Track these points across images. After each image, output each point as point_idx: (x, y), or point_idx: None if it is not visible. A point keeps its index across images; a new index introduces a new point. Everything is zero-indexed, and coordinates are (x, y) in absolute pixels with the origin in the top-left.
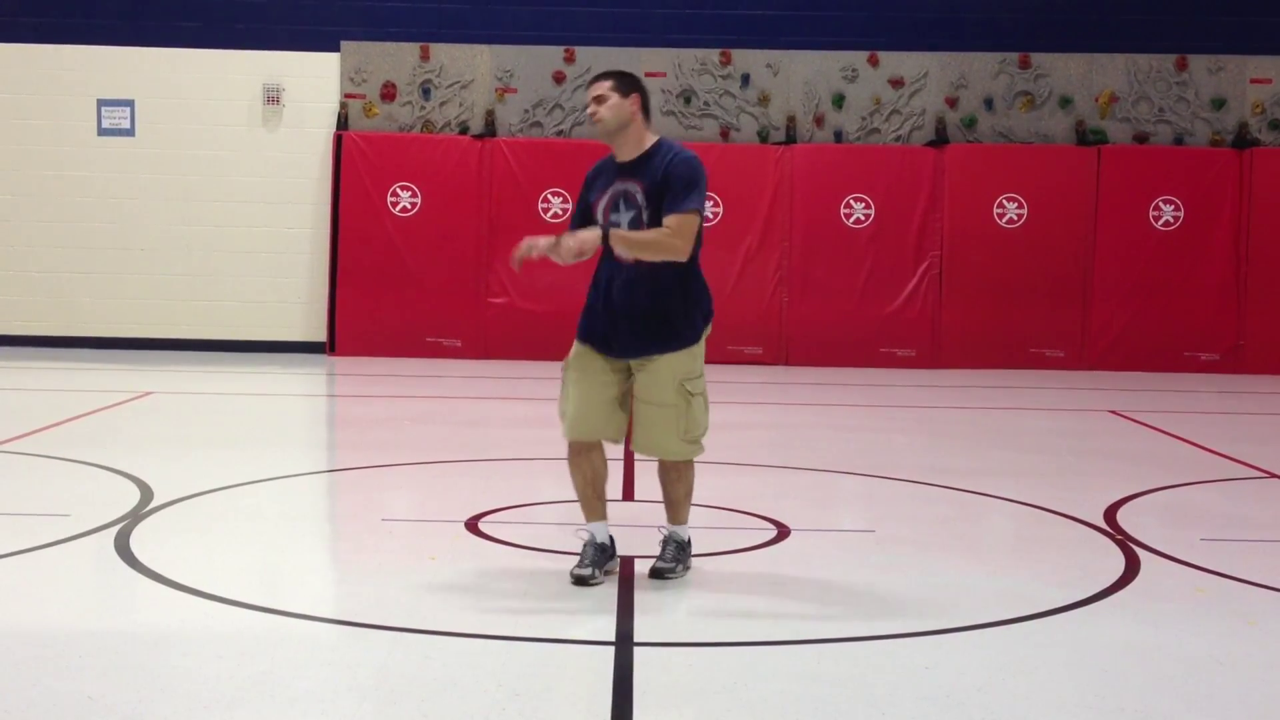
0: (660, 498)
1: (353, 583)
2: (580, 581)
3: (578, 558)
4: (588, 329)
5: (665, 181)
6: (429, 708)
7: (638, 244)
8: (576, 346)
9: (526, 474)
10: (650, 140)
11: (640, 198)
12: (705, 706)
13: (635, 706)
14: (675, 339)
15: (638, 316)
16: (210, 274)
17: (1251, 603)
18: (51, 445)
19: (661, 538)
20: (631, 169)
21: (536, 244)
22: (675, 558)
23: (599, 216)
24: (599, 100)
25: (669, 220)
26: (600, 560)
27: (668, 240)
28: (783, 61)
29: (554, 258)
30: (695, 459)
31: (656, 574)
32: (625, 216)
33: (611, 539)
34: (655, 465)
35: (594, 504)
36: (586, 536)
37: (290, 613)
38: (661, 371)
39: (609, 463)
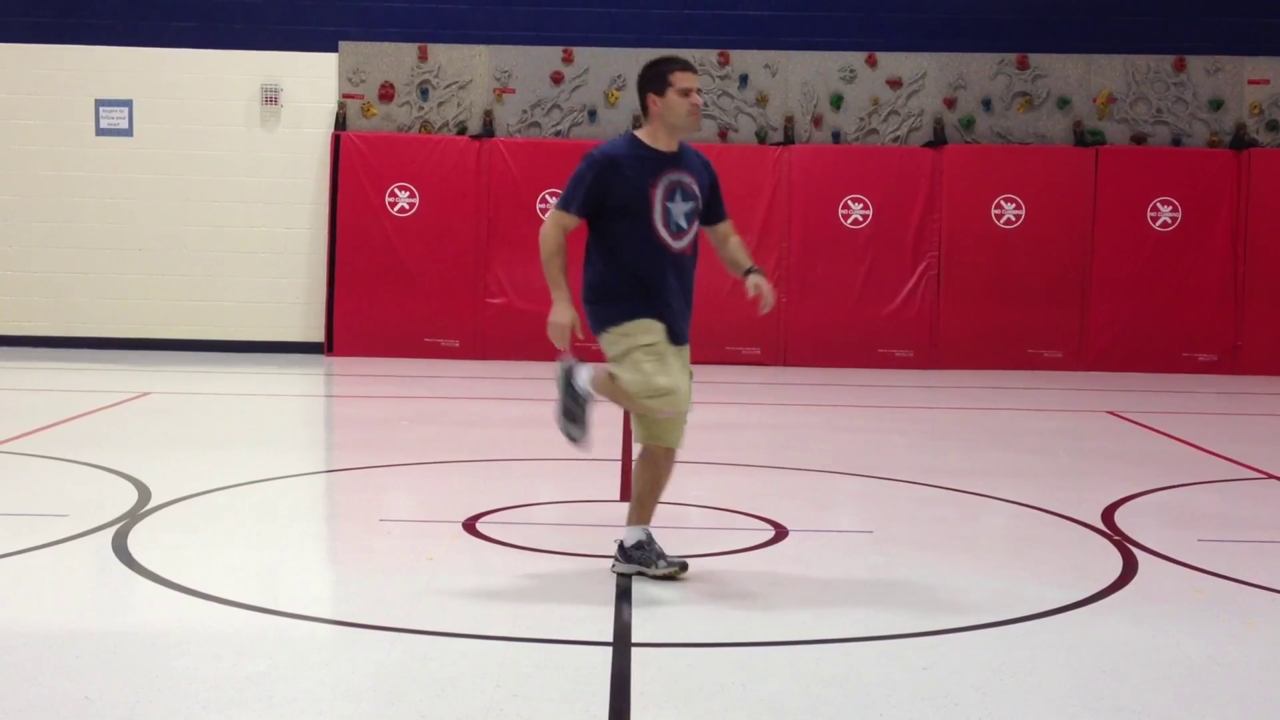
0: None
1: (351, 583)
2: (685, 568)
3: (646, 553)
4: (658, 315)
5: (714, 183)
6: (427, 708)
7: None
8: (652, 324)
9: (525, 474)
10: None
11: (696, 189)
12: (703, 706)
13: (633, 706)
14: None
15: (688, 304)
16: (208, 274)
17: (1249, 603)
18: (50, 445)
19: (643, 541)
20: (676, 161)
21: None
22: None
23: (656, 203)
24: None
25: (729, 224)
26: None
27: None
28: (781, 62)
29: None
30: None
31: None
32: (684, 207)
33: None
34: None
35: (654, 508)
36: (644, 537)
37: (288, 613)
38: (686, 350)
39: (606, 465)
